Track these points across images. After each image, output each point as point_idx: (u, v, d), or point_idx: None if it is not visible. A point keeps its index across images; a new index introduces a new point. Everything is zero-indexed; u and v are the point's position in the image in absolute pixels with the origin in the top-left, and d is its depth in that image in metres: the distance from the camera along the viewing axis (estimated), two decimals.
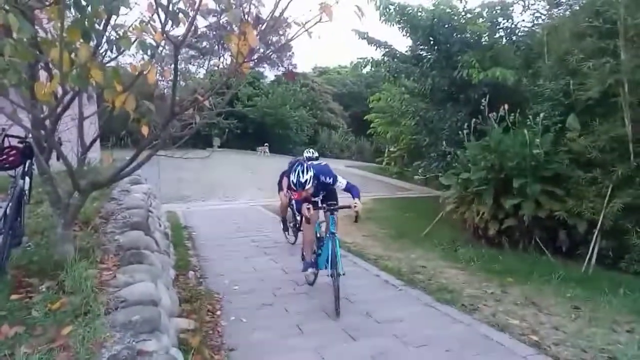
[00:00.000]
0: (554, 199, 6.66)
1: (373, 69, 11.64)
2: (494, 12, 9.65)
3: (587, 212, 6.21)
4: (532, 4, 9.26)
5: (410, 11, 9.83)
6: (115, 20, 2.74)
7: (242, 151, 26.74)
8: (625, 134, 5.96)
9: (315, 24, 2.56)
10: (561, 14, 8.72)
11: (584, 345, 3.57)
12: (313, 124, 32.02)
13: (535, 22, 9.43)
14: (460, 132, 8.33)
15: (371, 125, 18.01)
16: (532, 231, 6.82)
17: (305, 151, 6.63)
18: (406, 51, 11.06)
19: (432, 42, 9.97)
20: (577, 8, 7.73)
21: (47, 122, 2.97)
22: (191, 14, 2.54)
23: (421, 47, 10.56)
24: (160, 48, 2.80)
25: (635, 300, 4.63)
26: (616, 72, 6.02)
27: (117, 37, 2.59)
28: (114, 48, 2.61)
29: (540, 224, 6.75)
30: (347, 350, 3.42)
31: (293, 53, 33.62)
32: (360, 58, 11.09)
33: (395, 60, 10.74)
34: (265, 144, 26.18)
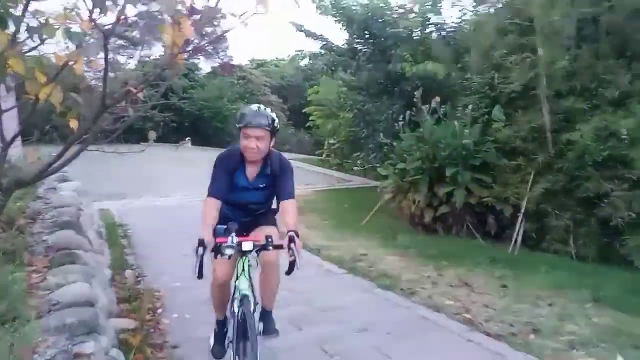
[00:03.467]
0: (482, 186, 7.08)
1: (310, 62, 11.69)
2: (424, 7, 10.01)
3: (512, 197, 6.66)
4: (459, 1, 9.69)
5: (345, 4, 9.96)
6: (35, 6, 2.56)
7: (178, 145, 25.90)
8: (544, 124, 6.44)
9: (252, 15, 2.54)
10: (486, 11, 9.21)
11: (511, 320, 3.86)
12: None
13: (463, 18, 9.89)
14: (395, 124, 8.59)
15: (310, 118, 18.11)
16: (464, 217, 7.21)
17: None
18: (343, 44, 11.21)
19: (367, 36, 10.16)
20: (500, 6, 8.19)
21: None
22: (121, 1, 2.42)
23: (357, 40, 10.74)
24: (87, 37, 2.66)
25: (555, 277, 5.05)
26: (535, 67, 6.47)
27: (39, 24, 2.42)
28: (35, 36, 2.44)
29: (471, 210, 7.15)
30: (293, 340, 3.46)
31: (228, 45, 32.95)
32: (298, 51, 11.13)
33: (332, 53, 10.86)
34: (188, 138, 25.05)
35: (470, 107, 7.30)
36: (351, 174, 15.19)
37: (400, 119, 8.34)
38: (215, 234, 2.44)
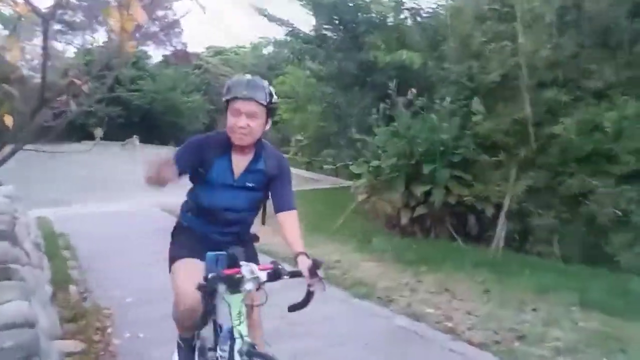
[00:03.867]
0: (462, 184, 7.22)
1: (275, 50, 11.66)
2: None
3: (493, 196, 6.83)
4: None
5: None
6: None
7: (124, 143, 25.39)
8: (525, 117, 6.64)
9: None
10: None
11: (495, 327, 3.95)
12: (210, 111, 31.25)
13: (439, 3, 10.08)
14: (369, 118, 8.67)
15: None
16: (443, 218, 7.34)
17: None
18: (310, 31, 11.23)
19: (336, 22, 10.23)
20: None
21: None
22: None
23: (325, 26, 10.78)
24: (22, 20, 2.57)
25: (539, 279, 5.21)
26: (515, 56, 6.67)
27: None
28: None
29: (450, 210, 7.29)
30: None
31: (182, 30, 32.43)
32: (261, 37, 11.09)
33: (299, 40, 10.86)
34: (135, 136, 24.65)
35: (448, 99, 7.43)
36: (321, 173, 15.25)
37: (374, 112, 8.41)
38: (208, 262, 2.08)
